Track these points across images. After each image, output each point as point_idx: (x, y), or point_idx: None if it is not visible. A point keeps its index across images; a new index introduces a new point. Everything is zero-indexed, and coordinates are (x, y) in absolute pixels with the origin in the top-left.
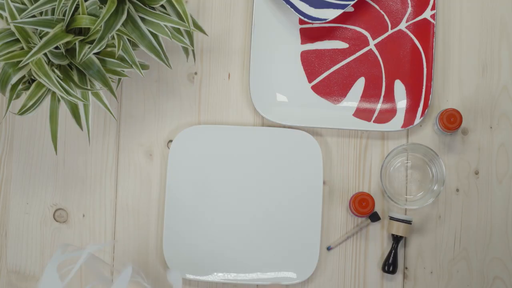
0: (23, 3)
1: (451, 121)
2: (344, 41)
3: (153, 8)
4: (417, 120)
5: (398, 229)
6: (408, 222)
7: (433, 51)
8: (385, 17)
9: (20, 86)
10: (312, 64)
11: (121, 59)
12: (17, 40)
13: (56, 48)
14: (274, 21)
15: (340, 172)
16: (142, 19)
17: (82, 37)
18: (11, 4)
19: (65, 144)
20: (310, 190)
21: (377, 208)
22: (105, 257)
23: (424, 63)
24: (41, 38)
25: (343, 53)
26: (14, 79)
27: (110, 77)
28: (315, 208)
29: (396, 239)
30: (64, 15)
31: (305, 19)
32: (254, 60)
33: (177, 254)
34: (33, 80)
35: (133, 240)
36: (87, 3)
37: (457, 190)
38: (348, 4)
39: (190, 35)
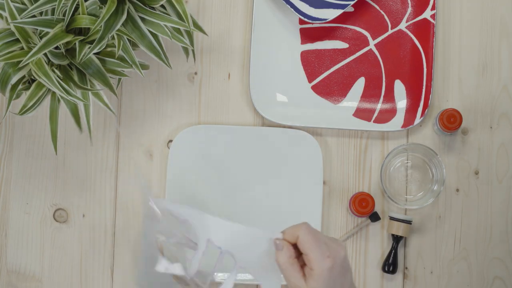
0: (23, 3)
1: (451, 121)
2: (344, 41)
3: (153, 8)
4: (417, 120)
5: (398, 229)
6: (408, 222)
7: (433, 51)
8: (385, 17)
9: (20, 86)
10: (312, 64)
11: (121, 59)
12: (17, 40)
13: (56, 48)
14: (274, 21)
15: (340, 172)
16: (142, 19)
17: (82, 37)
18: (11, 4)
19: (65, 144)
20: (310, 190)
21: (377, 208)
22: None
23: (424, 63)
24: (41, 38)
25: (343, 53)
26: (14, 79)
27: (110, 77)
28: (315, 208)
29: (396, 239)
30: (64, 15)
31: (305, 19)
32: (254, 60)
33: None
34: (33, 80)
35: (133, 240)
36: (87, 3)
37: (457, 190)
38: (348, 4)
39: (190, 35)
